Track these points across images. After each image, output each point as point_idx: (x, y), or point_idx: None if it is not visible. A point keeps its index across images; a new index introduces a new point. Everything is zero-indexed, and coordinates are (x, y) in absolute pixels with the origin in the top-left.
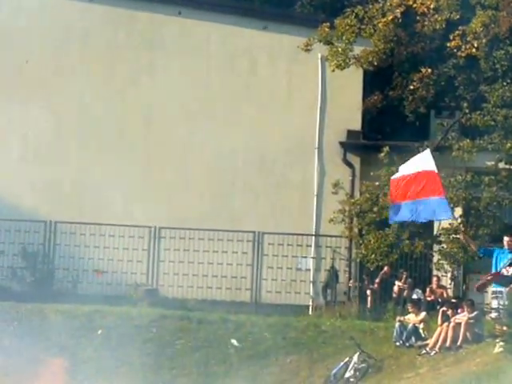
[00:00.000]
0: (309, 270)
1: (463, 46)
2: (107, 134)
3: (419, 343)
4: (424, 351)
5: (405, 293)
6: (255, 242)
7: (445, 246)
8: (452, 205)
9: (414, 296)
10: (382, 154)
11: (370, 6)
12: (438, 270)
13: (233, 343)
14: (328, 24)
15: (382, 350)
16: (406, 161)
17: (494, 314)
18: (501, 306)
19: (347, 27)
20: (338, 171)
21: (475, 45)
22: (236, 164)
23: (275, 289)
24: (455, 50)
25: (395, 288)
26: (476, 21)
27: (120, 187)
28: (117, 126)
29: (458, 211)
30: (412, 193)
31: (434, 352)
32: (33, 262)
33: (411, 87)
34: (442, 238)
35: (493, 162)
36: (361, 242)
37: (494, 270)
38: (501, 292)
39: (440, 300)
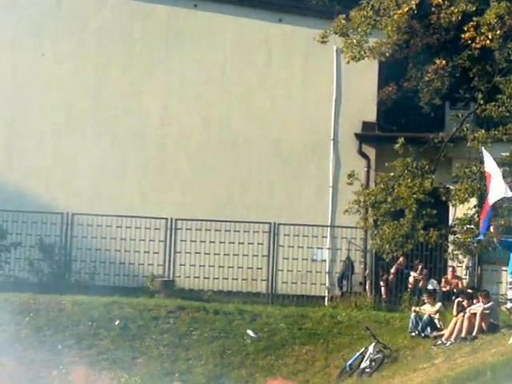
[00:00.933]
0: (324, 260)
1: (478, 38)
2: (123, 126)
3: (435, 334)
4: (439, 342)
5: (420, 283)
6: (271, 233)
7: (459, 236)
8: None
9: (430, 286)
10: (397, 146)
11: None
12: (452, 260)
13: (249, 334)
14: (344, 16)
15: (398, 340)
16: (421, 152)
17: (509, 305)
18: None
19: (363, 19)
20: (353, 162)
21: (490, 36)
22: (252, 156)
23: (291, 280)
24: (470, 42)
25: (410, 279)
26: (490, 12)
27: (136, 178)
28: (133, 119)
29: (473, 202)
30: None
31: (449, 342)
32: (50, 253)
33: (426, 78)
34: (457, 228)
35: (507, 153)
36: (376, 232)
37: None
38: None
39: (455, 290)
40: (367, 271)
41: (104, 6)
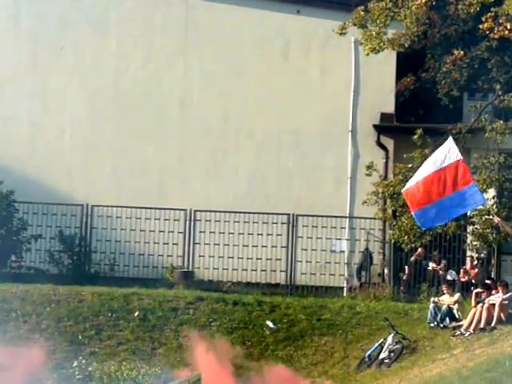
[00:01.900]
0: (343, 251)
1: (496, 28)
2: (143, 117)
3: (453, 324)
4: (458, 332)
5: (439, 274)
6: (290, 225)
7: (478, 227)
8: (484, 186)
9: (449, 277)
10: (416, 137)
11: None
12: (471, 250)
13: (268, 325)
14: (362, 7)
15: (417, 331)
16: (439, 143)
17: None
18: None
19: (382, 10)
20: (371, 153)
21: (508, 27)
22: (270, 147)
23: (310, 271)
24: (488, 32)
25: (429, 269)
26: (509, 2)
27: (156, 170)
28: (152, 110)
29: (491, 193)
30: (435, 194)
31: (468, 333)
32: (70, 245)
33: (444, 69)
34: (475, 219)
35: None
36: (394, 223)
37: None
38: None
39: (474, 281)
40: (382, 261)
41: None
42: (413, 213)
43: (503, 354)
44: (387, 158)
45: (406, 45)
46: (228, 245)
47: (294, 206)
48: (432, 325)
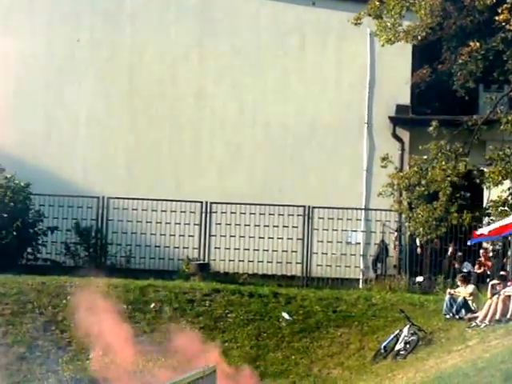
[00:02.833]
0: (359, 243)
1: None
2: (158, 110)
3: (469, 316)
4: (474, 324)
5: (454, 266)
6: (305, 217)
7: (493, 219)
8: (500, 178)
9: (464, 269)
10: (431, 128)
11: None
12: (486, 242)
13: (284, 316)
14: None
15: (432, 322)
16: (454, 135)
17: None
18: None
19: (397, 1)
20: (387, 145)
21: None
22: (286, 139)
23: (325, 262)
24: (504, 24)
25: (445, 261)
26: None
27: (172, 162)
28: (168, 102)
29: (507, 184)
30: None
31: (483, 324)
32: (86, 237)
33: (460, 61)
34: (491, 211)
35: None
36: (410, 215)
37: None
38: None
39: (489, 273)
40: (396, 250)
41: None
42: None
43: None
44: (403, 149)
45: (421, 37)
46: (244, 237)
47: (309, 198)
48: (448, 316)
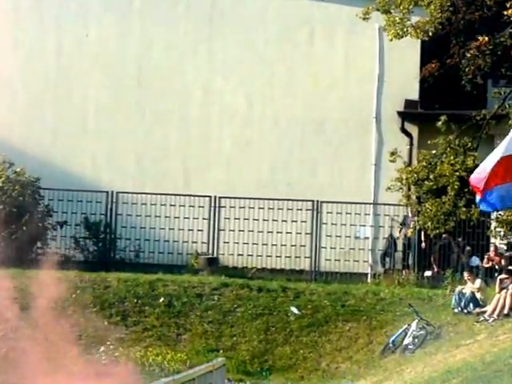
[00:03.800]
0: (367, 238)
1: None
2: (166, 104)
3: (477, 310)
4: (482, 318)
5: (463, 260)
6: (314, 211)
7: (502, 214)
8: None
9: (472, 264)
10: (440, 123)
11: None
12: (494, 237)
13: (292, 311)
14: None
15: (441, 317)
16: (463, 130)
17: None
18: None
19: None
20: (395, 140)
21: None
22: (295, 134)
23: (334, 257)
24: None
25: (453, 256)
26: None
27: (180, 157)
28: (176, 97)
29: None
30: (499, 178)
31: (492, 319)
32: (95, 231)
33: (468, 56)
34: None
35: None
36: (419, 209)
37: None
38: None
39: (498, 267)
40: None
41: None
42: (480, 196)
43: None
44: (411, 144)
45: (431, 33)
46: (252, 231)
47: (318, 193)
48: (456, 311)
